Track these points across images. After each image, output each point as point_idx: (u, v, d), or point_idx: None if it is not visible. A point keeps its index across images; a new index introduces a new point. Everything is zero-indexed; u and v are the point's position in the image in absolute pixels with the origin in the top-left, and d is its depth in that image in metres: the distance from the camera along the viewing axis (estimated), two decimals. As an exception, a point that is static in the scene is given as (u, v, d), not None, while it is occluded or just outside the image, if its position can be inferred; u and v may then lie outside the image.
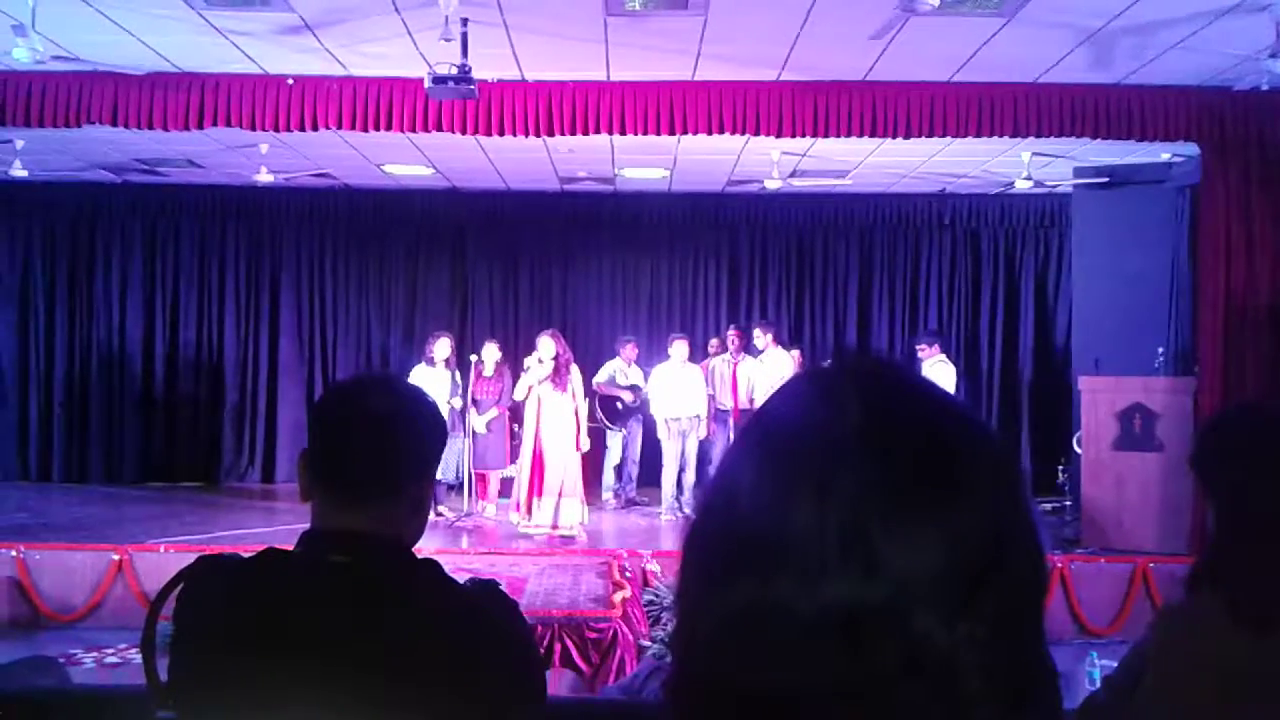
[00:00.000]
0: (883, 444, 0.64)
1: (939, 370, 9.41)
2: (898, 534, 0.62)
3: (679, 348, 10.21)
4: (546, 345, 9.07)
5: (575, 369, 9.24)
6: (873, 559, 0.61)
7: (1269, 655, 1.56)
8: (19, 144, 9.53)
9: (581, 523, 9.06)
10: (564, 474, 8.97)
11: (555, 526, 8.88)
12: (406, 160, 10.61)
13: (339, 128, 7.87)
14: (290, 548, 1.63)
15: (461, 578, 1.68)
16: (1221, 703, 1.56)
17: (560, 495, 8.93)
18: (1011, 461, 0.69)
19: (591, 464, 11.51)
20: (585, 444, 9.50)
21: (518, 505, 9.04)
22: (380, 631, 1.51)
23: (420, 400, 1.72)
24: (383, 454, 1.63)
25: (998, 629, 0.63)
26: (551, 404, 9.01)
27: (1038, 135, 7.91)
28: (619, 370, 10.98)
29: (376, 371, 11.40)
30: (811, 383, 0.71)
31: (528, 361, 9.19)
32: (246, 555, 1.62)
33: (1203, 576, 1.74)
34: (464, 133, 7.85)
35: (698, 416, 10.23)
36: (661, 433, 10.22)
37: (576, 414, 9.18)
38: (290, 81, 7.68)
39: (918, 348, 10.17)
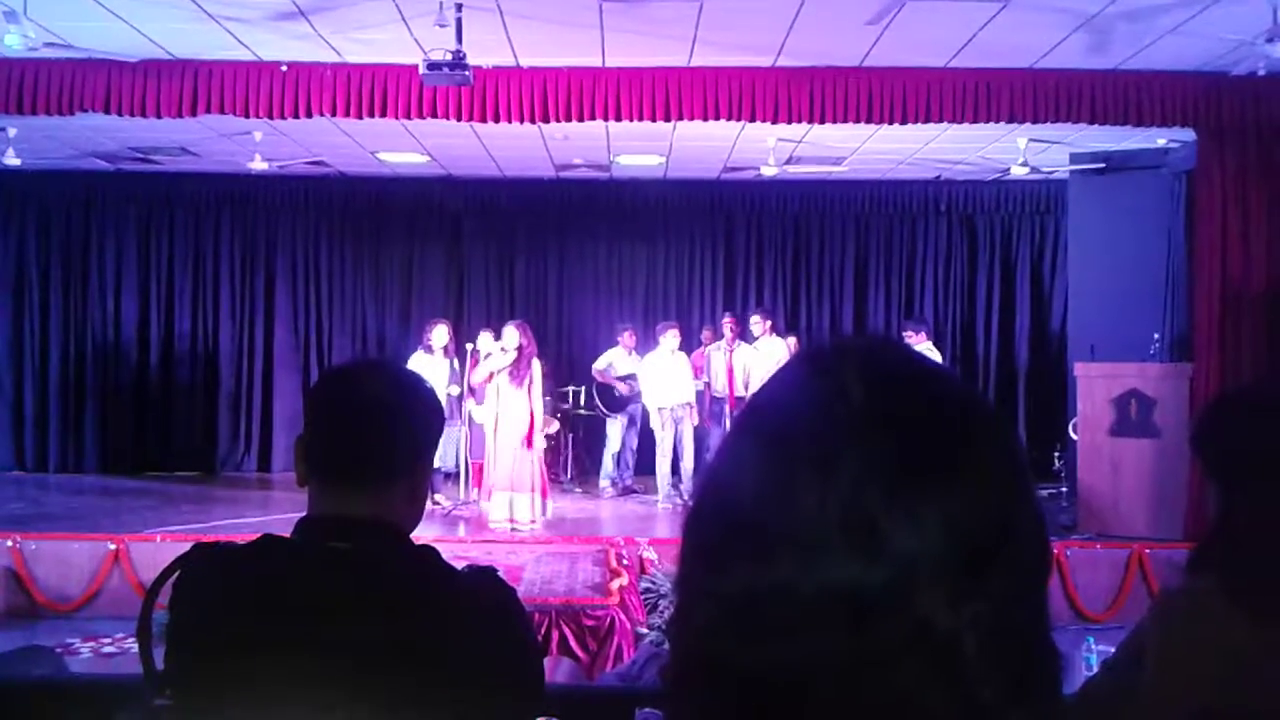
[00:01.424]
0: (885, 423, 0.64)
1: None
2: (901, 514, 0.61)
3: (669, 337, 10.20)
4: (511, 335, 8.96)
5: (536, 363, 9.08)
6: (876, 539, 0.60)
7: (1270, 639, 1.55)
8: (11, 132, 9.49)
9: (544, 517, 8.99)
10: (514, 469, 8.82)
11: (512, 521, 8.77)
12: (401, 148, 10.58)
13: (333, 115, 7.84)
14: (287, 535, 1.62)
15: (459, 565, 1.67)
16: (1222, 687, 1.56)
17: (513, 490, 8.79)
18: (1014, 441, 0.68)
19: (590, 452, 11.55)
20: (539, 442, 9.22)
21: (488, 494, 8.98)
22: (378, 618, 1.50)
23: (417, 385, 1.71)
24: (379, 440, 1.62)
25: (1000, 610, 0.63)
26: (507, 397, 8.90)
27: (1034, 121, 7.90)
28: (618, 358, 10.97)
29: (373, 356, 11.40)
30: (811, 363, 0.70)
31: (488, 346, 9.08)
32: (243, 542, 1.62)
33: (1203, 559, 1.74)
34: (459, 119, 7.83)
35: (689, 404, 10.23)
36: (655, 421, 10.23)
37: (532, 411, 8.98)
38: (284, 68, 7.65)
39: (905, 334, 10.17)
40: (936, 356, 9.92)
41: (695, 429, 10.33)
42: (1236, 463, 1.71)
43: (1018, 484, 0.67)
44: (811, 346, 0.73)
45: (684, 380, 10.26)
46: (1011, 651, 0.64)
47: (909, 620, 0.61)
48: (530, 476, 8.92)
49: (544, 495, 9.05)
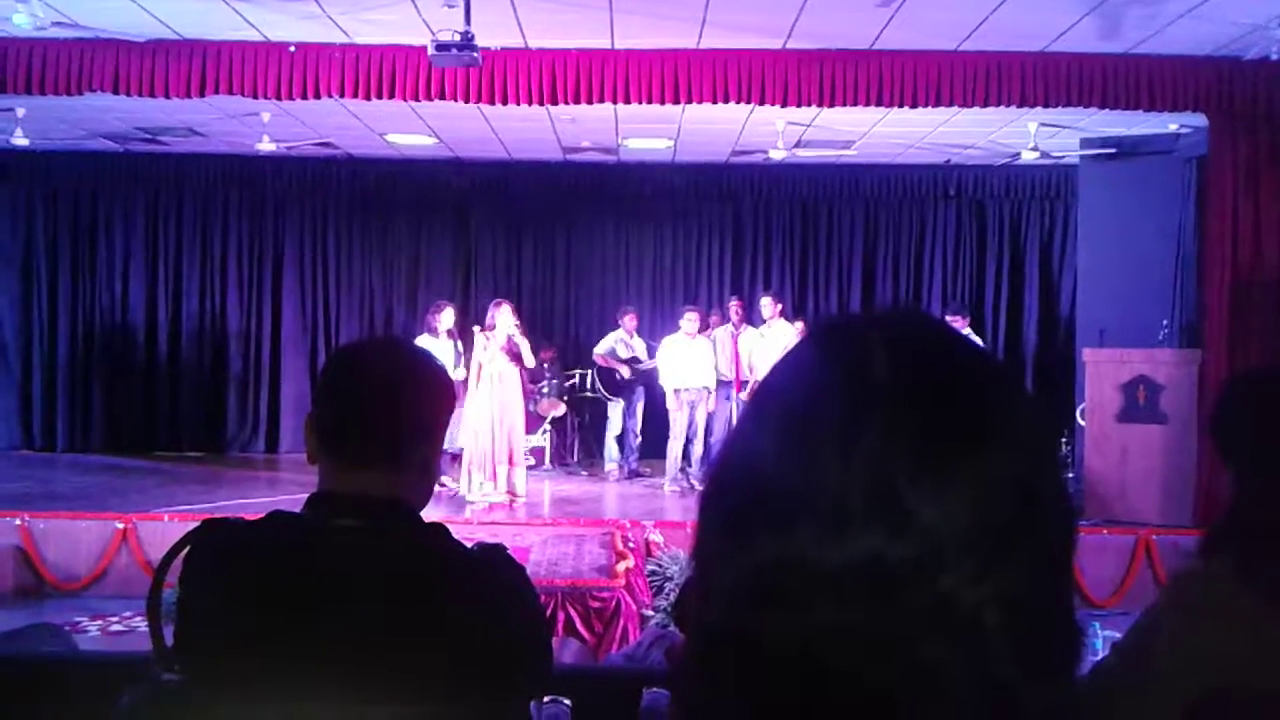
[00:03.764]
0: (910, 394, 0.63)
1: None
2: (926, 486, 0.60)
3: (687, 320, 10.19)
4: (506, 315, 9.05)
5: (524, 341, 9.22)
6: (899, 511, 0.59)
7: (1284, 621, 1.55)
8: (20, 112, 9.48)
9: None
10: (517, 443, 9.10)
11: (512, 494, 8.99)
12: (409, 129, 10.56)
13: (341, 96, 7.82)
14: (297, 512, 1.62)
15: (467, 544, 1.67)
16: (1235, 669, 1.55)
17: (512, 465, 9.04)
18: (1040, 414, 0.67)
19: (596, 436, 11.57)
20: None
21: (494, 475, 9.03)
22: (386, 594, 1.50)
23: (428, 363, 1.71)
24: (390, 417, 1.62)
25: (1024, 586, 0.62)
26: (507, 376, 9.04)
27: (1045, 105, 7.86)
28: (621, 341, 10.98)
29: (384, 334, 11.39)
30: (834, 333, 0.69)
31: (491, 334, 9.11)
32: (252, 518, 1.61)
33: (1217, 542, 1.73)
34: (467, 101, 7.80)
35: (706, 388, 10.20)
36: (670, 403, 10.22)
37: (523, 381, 9.30)
38: (292, 49, 7.62)
39: (948, 319, 10.14)
40: (978, 342, 9.91)
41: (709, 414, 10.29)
42: (1252, 446, 1.71)
43: (1044, 458, 0.66)
44: (831, 318, 0.72)
45: (703, 364, 10.21)
46: (1034, 628, 0.63)
47: (932, 594, 0.60)
48: (518, 452, 9.13)
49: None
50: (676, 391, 10.13)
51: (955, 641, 0.60)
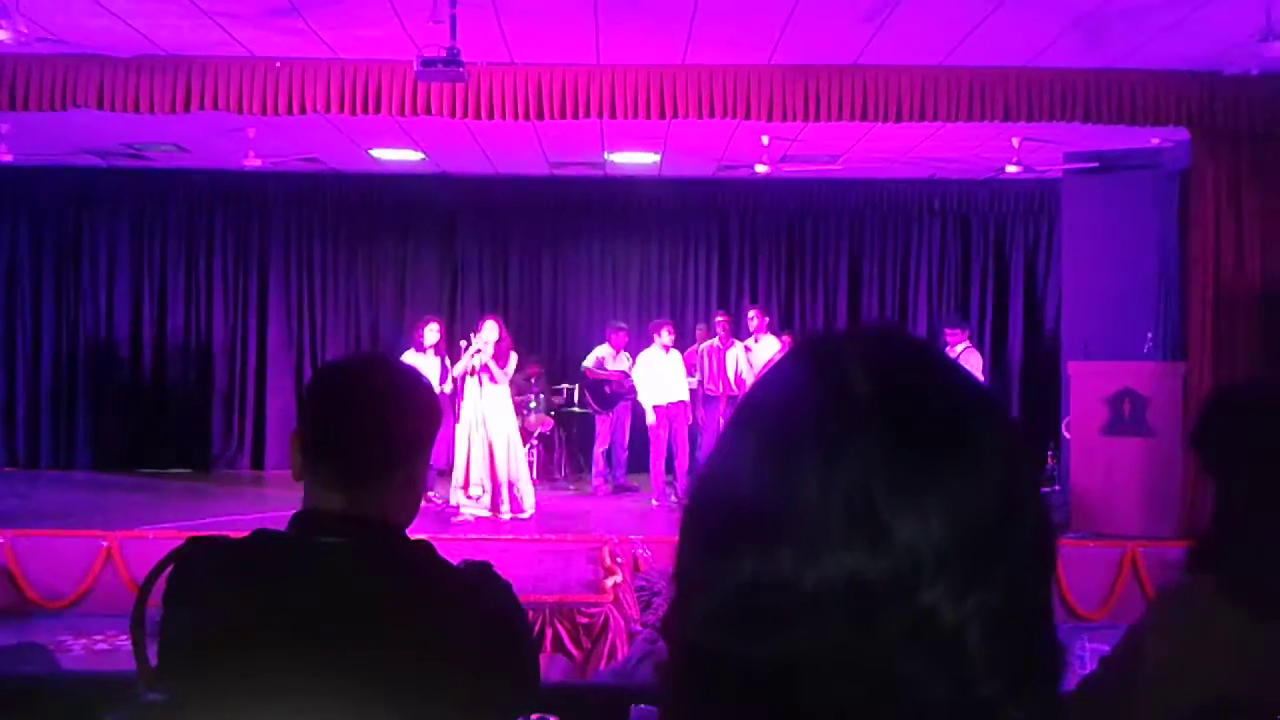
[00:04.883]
0: (890, 413, 0.63)
1: (966, 357, 9.47)
2: (905, 505, 0.60)
3: (662, 334, 10.22)
4: (491, 329, 9.08)
5: (513, 356, 9.25)
6: (879, 530, 0.60)
7: (1268, 635, 1.55)
8: (3, 128, 9.44)
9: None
10: (513, 459, 9.11)
11: (519, 511, 9.05)
12: (395, 144, 10.56)
13: (326, 111, 7.81)
14: (281, 530, 1.61)
15: (454, 561, 1.66)
16: (1220, 683, 1.56)
17: (517, 480, 9.11)
18: (1019, 432, 0.68)
19: (584, 450, 11.55)
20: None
21: (474, 487, 9.05)
22: (373, 612, 1.50)
23: (414, 380, 1.70)
24: (375, 434, 1.62)
25: (1004, 603, 0.62)
26: (489, 391, 9.07)
27: (1028, 120, 7.90)
28: (606, 356, 10.97)
29: (370, 351, 11.38)
30: (813, 352, 0.69)
31: (477, 341, 9.15)
32: (237, 536, 1.61)
33: (1201, 556, 1.74)
34: (453, 116, 7.81)
35: (684, 402, 10.23)
36: (650, 419, 10.23)
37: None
38: (277, 64, 7.62)
39: (945, 331, 10.14)
40: (976, 357, 9.92)
41: (689, 427, 10.33)
42: (1235, 460, 1.71)
43: (1022, 476, 0.66)
44: (812, 335, 0.72)
45: (678, 378, 10.26)
46: (1015, 645, 0.63)
47: (912, 612, 0.60)
48: (522, 467, 9.21)
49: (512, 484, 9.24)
50: (655, 407, 10.14)
51: (936, 659, 0.60)
